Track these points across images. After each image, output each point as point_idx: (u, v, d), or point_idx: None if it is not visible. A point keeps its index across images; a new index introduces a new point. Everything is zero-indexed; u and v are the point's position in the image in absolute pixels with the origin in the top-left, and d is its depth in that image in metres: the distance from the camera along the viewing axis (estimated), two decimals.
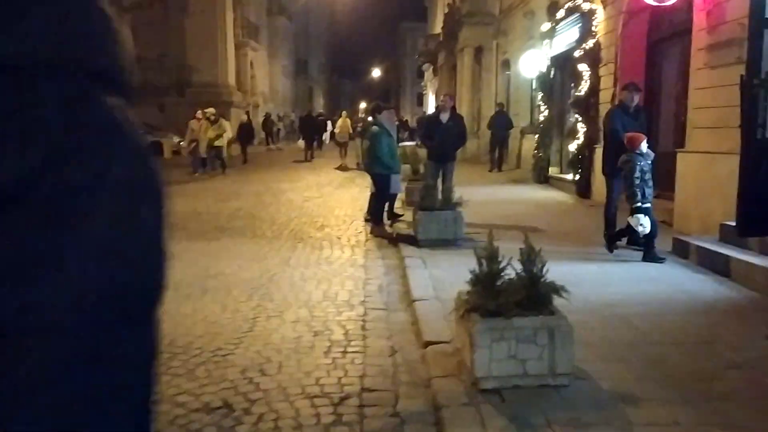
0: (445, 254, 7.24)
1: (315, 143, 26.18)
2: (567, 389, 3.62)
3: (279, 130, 39.70)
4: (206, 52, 32.15)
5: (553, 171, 14.12)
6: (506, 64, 19.85)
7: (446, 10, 26.75)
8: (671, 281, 5.95)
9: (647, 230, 6.59)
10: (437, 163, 9.60)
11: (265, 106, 40.43)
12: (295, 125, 38.60)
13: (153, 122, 29.23)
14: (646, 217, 6.55)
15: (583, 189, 11.70)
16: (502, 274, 4.03)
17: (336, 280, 6.41)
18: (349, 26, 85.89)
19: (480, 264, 4.10)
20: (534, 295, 3.83)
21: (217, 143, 16.97)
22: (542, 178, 14.21)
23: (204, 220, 10.03)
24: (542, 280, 3.90)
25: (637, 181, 6.49)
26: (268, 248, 7.91)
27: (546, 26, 13.79)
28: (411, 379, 3.99)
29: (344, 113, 20.92)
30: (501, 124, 17.99)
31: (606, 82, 10.99)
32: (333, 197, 12.96)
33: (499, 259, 4.07)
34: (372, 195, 9.09)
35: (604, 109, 11.04)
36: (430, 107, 37.37)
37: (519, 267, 3.93)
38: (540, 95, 14.23)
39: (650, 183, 6.62)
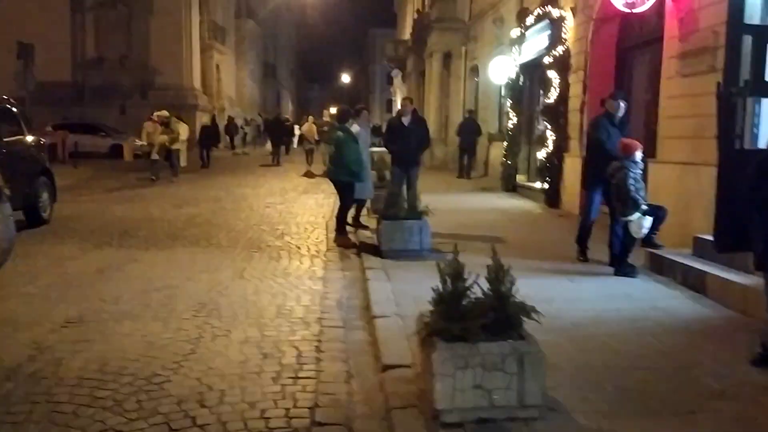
0: (409, 266, 6.88)
1: (282, 148, 26.04)
2: (537, 422, 3.28)
3: (246, 134, 39.06)
4: (170, 53, 31.39)
5: (521, 179, 13.91)
6: (475, 71, 19.66)
7: (415, 16, 26.55)
8: (645, 298, 5.68)
9: (646, 232, 6.34)
10: (401, 169, 9.26)
11: (232, 110, 39.71)
12: (261, 129, 38.00)
13: (114, 124, 28.45)
14: (649, 218, 6.28)
15: (551, 198, 11.48)
16: (468, 293, 3.67)
17: (292, 294, 5.98)
18: (318, 32, 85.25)
19: (444, 282, 3.74)
20: (502, 318, 3.48)
21: (173, 147, 16.19)
22: (510, 186, 13.99)
23: (157, 227, 9.49)
24: (511, 300, 3.56)
25: (632, 189, 6.20)
26: (222, 258, 7.43)
27: (515, 32, 13.59)
28: (367, 410, 3.60)
29: (310, 118, 20.47)
30: (469, 130, 17.78)
31: (575, 90, 10.80)
32: (296, 203, 12.51)
33: (465, 276, 3.70)
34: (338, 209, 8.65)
35: (573, 116, 10.87)
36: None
37: (486, 285, 3.58)
38: (509, 102, 14.02)
39: (642, 192, 6.32)
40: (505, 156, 14.12)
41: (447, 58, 21.44)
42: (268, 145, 27.79)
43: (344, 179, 8.23)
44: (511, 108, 13.96)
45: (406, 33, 33.74)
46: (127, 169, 19.57)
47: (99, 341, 4.56)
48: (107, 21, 32.04)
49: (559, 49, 11.16)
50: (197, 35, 33.25)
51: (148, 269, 6.81)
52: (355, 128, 9.62)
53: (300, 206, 12.13)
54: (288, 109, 66.44)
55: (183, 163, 18.92)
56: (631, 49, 10.03)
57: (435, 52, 21.39)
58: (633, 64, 10.02)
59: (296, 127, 31.40)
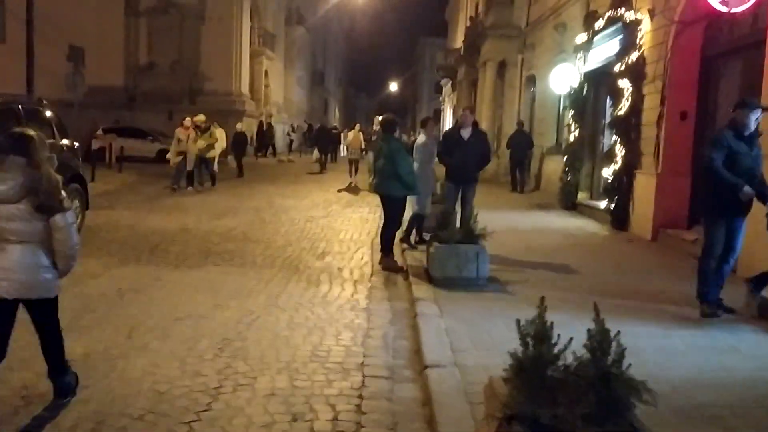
0: (465, 298, 6.02)
1: (329, 156, 25.80)
2: None
3: (292, 141, 38.80)
4: (220, 59, 31.28)
5: (582, 197, 12.84)
6: (531, 80, 18.65)
7: (468, 24, 25.67)
8: (761, 355, 4.66)
9: None
10: (456, 185, 8.40)
11: (279, 117, 39.52)
12: (307, 137, 37.68)
13: (162, 129, 28.44)
14: None
15: (619, 220, 10.41)
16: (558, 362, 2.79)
17: (331, 329, 5.18)
18: (367, 40, 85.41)
19: (525, 344, 2.86)
20: (607, 401, 2.59)
21: (208, 154, 15.35)
22: (570, 204, 12.93)
23: (190, 241, 8.85)
24: (618, 375, 2.66)
25: None
26: (256, 281, 6.70)
27: (580, 38, 12.57)
28: None
29: (357, 126, 19.51)
30: (521, 142, 16.83)
31: (651, 101, 9.74)
32: (340, 218, 11.77)
33: (554, 340, 2.82)
34: (384, 226, 7.83)
35: (647, 130, 9.82)
36: (447, 123, 36.25)
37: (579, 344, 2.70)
38: (570, 113, 12.99)
39: None
40: (564, 171, 13.07)
41: (501, 67, 20.48)
42: (315, 153, 27.45)
43: (397, 193, 7.41)
44: (572, 120, 12.93)
45: (458, 41, 32.88)
46: (170, 175, 19.23)
47: (99, 389, 3.84)
48: (160, 26, 32.17)
49: (633, 56, 10.12)
50: (247, 41, 33.11)
51: (173, 292, 6.12)
52: (421, 138, 8.91)
53: (344, 221, 11.38)
54: (335, 117, 66.34)
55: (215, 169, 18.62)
56: (718, 57, 8.95)
57: (489, 60, 20.45)
58: (720, 74, 8.92)
59: (342, 135, 30.96)
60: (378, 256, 7.91)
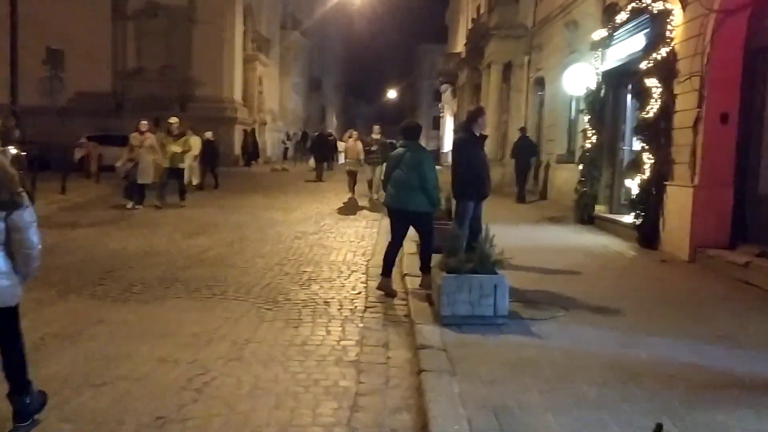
0: (482, 345, 4.77)
1: (326, 164, 24.76)
2: None
3: (287, 149, 37.61)
4: (212, 64, 30.11)
5: (600, 210, 11.59)
6: (539, 83, 17.44)
7: (470, 25, 24.52)
8: None
9: None
10: (476, 202, 7.06)
11: (274, 124, 38.35)
12: (302, 144, 36.45)
13: None
14: None
15: (647, 236, 9.16)
16: None
17: (307, 396, 3.93)
18: (366, 46, 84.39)
19: None
20: None
21: (180, 164, 13.41)
22: (586, 218, 11.68)
23: (153, 266, 7.59)
24: None
25: None
26: (223, 320, 5.44)
27: (599, 34, 11.35)
28: None
29: (354, 134, 16.57)
30: (525, 150, 15.67)
31: (686, 102, 8.51)
32: (332, 233, 10.51)
33: None
34: (421, 244, 6.72)
35: (681, 136, 8.59)
36: (447, 131, 35.04)
37: None
38: (587, 118, 11.76)
39: None
40: (580, 181, 11.83)
41: (507, 69, 19.30)
42: (311, 162, 26.39)
43: (424, 209, 6.39)
44: (589, 124, 11.70)
45: (458, 45, 31.77)
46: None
47: None
48: (148, 30, 31.03)
49: (662, 51, 8.90)
50: (240, 46, 31.96)
51: (112, 339, 4.86)
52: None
53: (337, 237, 10.12)
54: (332, 125, 65.20)
55: (195, 180, 17.16)
56: (766, 50, 7.72)
57: (494, 62, 19.25)
58: None
59: (340, 142, 29.79)
60: (375, 282, 6.73)
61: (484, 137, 8.26)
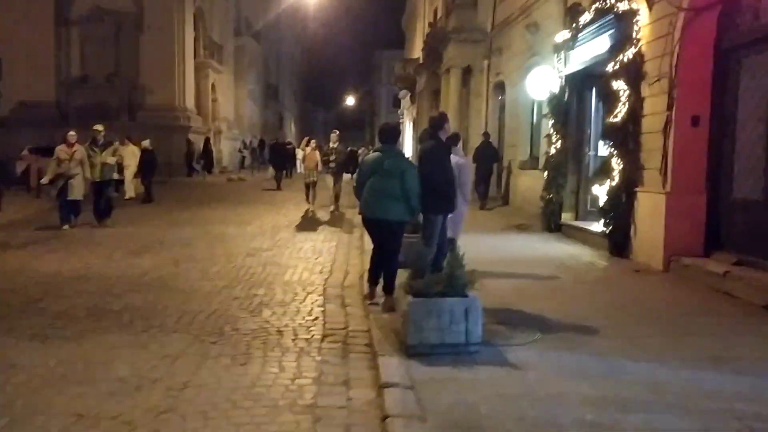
0: (454, 380, 4.24)
1: (285, 173, 24.08)
2: None
3: (244, 158, 36.66)
4: (162, 71, 29.05)
5: (567, 217, 11.23)
6: (500, 87, 17.12)
7: (428, 30, 24.15)
8: None
9: None
10: (444, 216, 6.52)
11: (230, 132, 37.34)
12: (257, 153, 35.61)
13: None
14: None
15: (618, 245, 8.79)
16: None
17: None
18: (323, 54, 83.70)
19: None
20: None
21: (108, 177, 11.89)
22: (553, 226, 11.31)
23: (85, 292, 6.81)
24: None
25: None
26: (158, 360, 4.74)
27: (562, 36, 11.00)
28: None
29: (312, 142, 15.26)
30: (487, 156, 15.31)
31: (655, 105, 8.17)
32: (289, 249, 9.86)
33: None
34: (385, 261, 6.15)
35: (650, 140, 8.27)
36: (408, 138, 34.64)
37: None
38: (551, 122, 11.39)
39: None
40: (546, 188, 11.45)
41: (466, 74, 18.94)
42: (270, 170, 25.71)
43: (402, 218, 5.96)
44: (553, 129, 11.34)
45: (416, 52, 31.42)
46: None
47: None
48: (94, 36, 29.77)
49: (629, 53, 8.57)
50: (191, 52, 30.93)
51: (21, 389, 4.13)
52: (454, 159, 7.13)
53: (293, 254, 9.47)
54: (291, 132, 64.26)
55: (130, 194, 16.27)
56: (737, 49, 7.42)
57: (452, 67, 18.86)
58: (741, 70, 7.39)
59: (299, 150, 29.07)
60: (332, 308, 6.15)
61: (455, 139, 7.85)
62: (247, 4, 40.91)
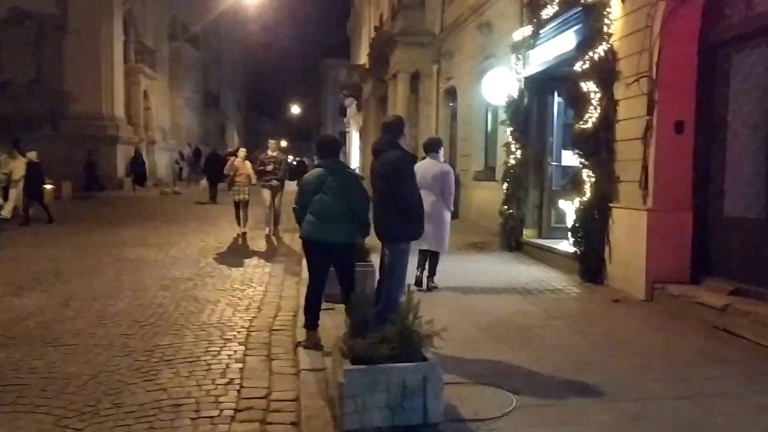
0: None
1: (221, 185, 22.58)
2: None
3: (181, 169, 34.72)
4: (88, 77, 26.97)
5: (528, 234, 10.17)
6: (451, 93, 16.07)
7: (373, 34, 23.01)
8: None
9: None
10: (407, 248, 5.16)
11: (165, 143, 35.28)
12: (193, 164, 33.76)
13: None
14: None
15: (591, 270, 7.74)
16: None
17: None
18: (267, 61, 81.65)
19: None
20: None
21: None
22: (514, 244, 10.24)
23: None
24: None
25: None
26: None
27: (521, 33, 9.97)
28: None
29: (241, 151, 13.00)
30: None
31: (630, 109, 7.15)
32: (213, 279, 8.42)
33: None
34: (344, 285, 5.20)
35: (624, 149, 7.22)
36: (354, 147, 33.39)
37: None
38: (509, 130, 10.33)
39: None
40: (505, 202, 10.37)
41: (414, 79, 17.85)
42: (203, 182, 24.12)
43: (351, 239, 5.22)
44: (512, 137, 10.28)
45: (362, 58, 30.27)
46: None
47: None
48: (13, 40, 27.47)
49: (600, 50, 7.55)
50: (120, 57, 28.91)
51: None
52: (441, 165, 7.22)
53: (217, 284, 8.04)
54: (233, 142, 62.19)
55: (5, 214, 13.92)
56: (727, 44, 6.47)
57: (400, 72, 17.73)
58: (732, 68, 6.43)
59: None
60: (255, 358, 4.87)
61: (437, 145, 7.49)
62: (183, 8, 38.95)
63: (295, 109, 76.21)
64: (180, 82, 38.66)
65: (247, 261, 9.77)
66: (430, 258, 7.39)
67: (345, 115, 40.60)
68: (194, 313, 6.54)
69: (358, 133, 33.27)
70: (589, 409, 3.92)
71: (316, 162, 5.60)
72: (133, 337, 5.67)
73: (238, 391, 4.42)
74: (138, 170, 28.49)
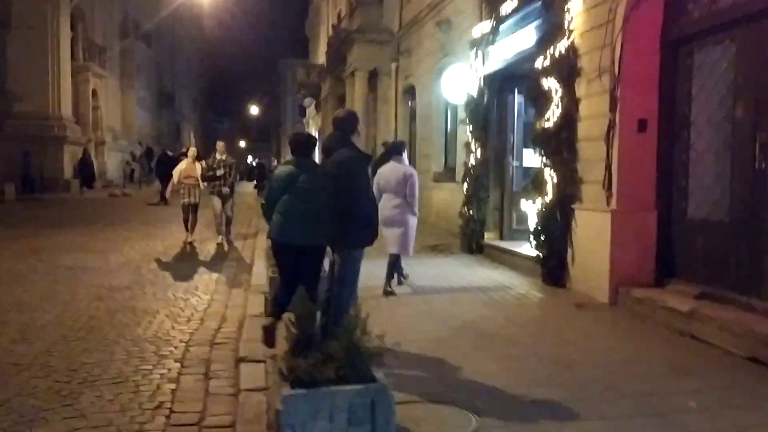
0: None
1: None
2: None
3: (133, 170, 33.60)
4: (33, 76, 25.79)
5: (490, 237, 9.89)
6: (410, 92, 15.74)
7: (331, 32, 22.56)
8: None
9: None
10: (359, 255, 4.70)
11: (116, 143, 34.10)
12: (144, 164, 32.73)
13: None
14: None
15: (553, 273, 7.47)
16: None
17: None
18: (225, 61, 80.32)
19: None
20: None
21: None
22: (474, 246, 9.95)
23: None
24: None
25: None
26: None
27: (480, 29, 9.69)
28: None
29: (191, 151, 11.91)
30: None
31: (593, 107, 6.91)
32: (154, 287, 7.85)
33: None
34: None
35: (587, 148, 6.98)
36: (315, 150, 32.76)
37: None
38: (469, 129, 10.03)
39: None
40: (465, 203, 10.07)
41: (373, 78, 17.47)
42: (157, 184, 23.30)
43: (320, 242, 4.92)
44: (472, 137, 9.98)
45: (320, 58, 29.76)
46: None
47: None
48: None
49: (561, 46, 7.29)
50: (68, 54, 27.76)
51: None
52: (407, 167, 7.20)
53: (158, 293, 7.49)
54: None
55: None
56: (689, 40, 6.26)
57: (357, 70, 17.33)
58: (694, 65, 6.23)
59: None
60: (191, 377, 4.47)
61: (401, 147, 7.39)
62: (136, 5, 37.77)
63: (254, 110, 75.03)
64: (132, 80, 37.46)
65: (193, 268, 9.21)
66: (390, 262, 7.16)
67: (305, 116, 39.97)
68: (129, 327, 5.99)
69: (317, 134, 32.74)
70: (548, 429, 3.59)
71: (285, 159, 5.47)
72: (57, 355, 5.12)
73: (167, 416, 3.94)
74: (86, 172, 27.50)
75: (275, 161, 26.05)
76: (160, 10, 38.85)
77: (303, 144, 5.19)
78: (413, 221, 7.16)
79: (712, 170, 5.95)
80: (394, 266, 7.24)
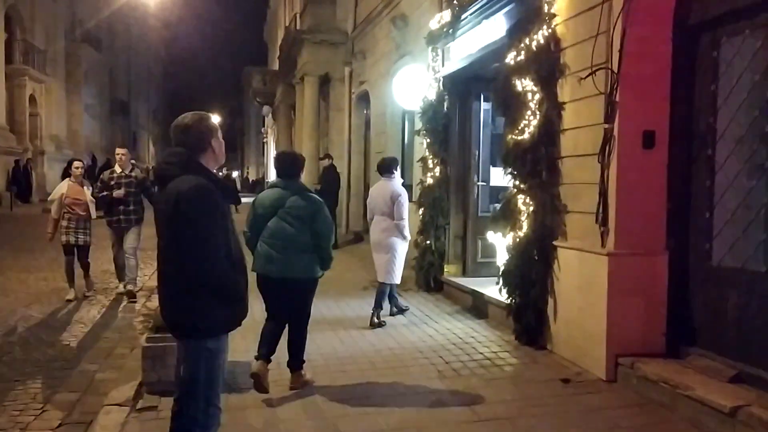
0: None
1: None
2: None
3: None
4: None
5: (450, 271, 8.19)
6: (364, 99, 14.03)
7: (284, 35, 20.80)
8: None
9: None
10: (215, 347, 2.99)
11: (59, 153, 31.69)
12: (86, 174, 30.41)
13: None
14: None
15: (530, 329, 5.76)
16: None
17: None
18: (187, 69, 78.01)
19: None
20: None
21: None
22: (432, 283, 8.24)
23: None
24: None
25: None
26: None
27: (438, 20, 8.00)
28: None
29: (77, 166, 8.31)
30: (330, 182, 12.32)
31: (582, 115, 5.25)
32: (70, 317, 5.91)
33: None
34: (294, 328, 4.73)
35: (574, 168, 5.29)
36: (270, 160, 30.88)
37: None
38: (426, 141, 8.33)
39: None
40: (421, 231, 8.35)
41: (324, 83, 15.71)
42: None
43: (315, 275, 4.63)
44: (429, 151, 8.29)
45: (276, 63, 27.96)
46: None
47: None
48: None
49: (539, 35, 5.62)
50: (1, 57, 25.44)
51: None
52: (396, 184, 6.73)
53: (73, 327, 5.55)
54: (148, 153, 58.51)
55: None
56: (714, 25, 4.64)
57: (307, 74, 15.54)
58: (721, 57, 4.60)
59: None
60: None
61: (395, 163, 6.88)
62: (82, 7, 35.47)
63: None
64: (78, 87, 35.04)
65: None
66: (379, 290, 6.64)
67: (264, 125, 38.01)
68: (25, 373, 4.08)
69: (274, 144, 30.86)
70: None
71: (270, 182, 5.08)
72: None
73: None
74: (21, 184, 25.21)
75: (247, 171, 24.12)
76: (112, 14, 36.64)
77: (291, 164, 4.77)
78: (402, 246, 6.69)
79: (749, 201, 4.32)
80: (383, 295, 6.66)
